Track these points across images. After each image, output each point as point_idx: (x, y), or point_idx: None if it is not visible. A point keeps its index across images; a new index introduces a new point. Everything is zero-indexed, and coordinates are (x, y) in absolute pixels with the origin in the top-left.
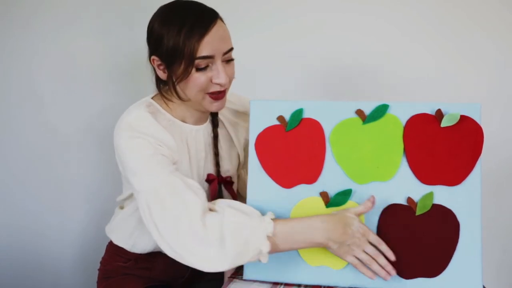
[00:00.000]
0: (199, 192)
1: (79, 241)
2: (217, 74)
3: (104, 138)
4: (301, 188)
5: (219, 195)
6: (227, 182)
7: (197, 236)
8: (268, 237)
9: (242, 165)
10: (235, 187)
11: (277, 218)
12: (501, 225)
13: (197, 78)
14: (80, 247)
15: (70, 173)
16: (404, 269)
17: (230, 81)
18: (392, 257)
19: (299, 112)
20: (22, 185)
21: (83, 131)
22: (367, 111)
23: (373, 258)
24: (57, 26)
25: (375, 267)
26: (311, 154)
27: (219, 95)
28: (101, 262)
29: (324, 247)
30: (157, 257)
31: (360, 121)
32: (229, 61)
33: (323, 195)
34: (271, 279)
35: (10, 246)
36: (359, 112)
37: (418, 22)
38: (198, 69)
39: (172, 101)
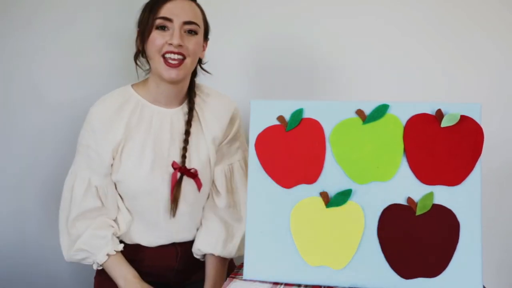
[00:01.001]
0: (90, 195)
1: None
2: (171, 36)
3: None
4: (301, 188)
5: (178, 185)
6: (190, 174)
7: (62, 228)
8: (108, 255)
9: (214, 161)
10: (207, 179)
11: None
12: (501, 225)
13: (155, 38)
14: None
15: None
16: (404, 269)
17: (190, 55)
18: None
19: (299, 112)
20: (22, 184)
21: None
22: (367, 111)
23: None
24: (57, 26)
25: None
26: (311, 154)
27: (173, 64)
28: None
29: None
30: (144, 250)
31: (360, 121)
32: (191, 34)
33: (323, 195)
34: (271, 279)
35: (11, 245)
36: (359, 112)
37: (418, 22)
38: (157, 28)
39: (142, 69)
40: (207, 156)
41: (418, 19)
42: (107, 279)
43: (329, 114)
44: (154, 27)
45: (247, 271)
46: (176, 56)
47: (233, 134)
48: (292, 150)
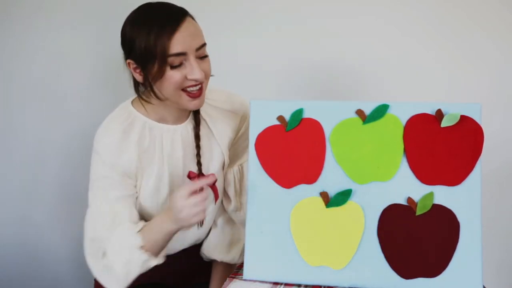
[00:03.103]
0: (117, 225)
1: (79, 237)
2: (192, 70)
3: None
4: (301, 188)
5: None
6: None
7: (95, 267)
8: (142, 247)
9: (227, 164)
10: (220, 185)
11: (144, 223)
12: (501, 225)
13: (172, 77)
14: (79, 243)
15: (71, 171)
16: (404, 269)
17: (207, 77)
18: (212, 178)
19: (299, 112)
20: (23, 183)
21: (83, 130)
22: (367, 111)
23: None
24: (57, 26)
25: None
26: (311, 154)
27: (196, 93)
28: None
29: (182, 228)
30: None
31: (360, 121)
32: (203, 57)
33: (323, 195)
34: (271, 279)
35: (8, 242)
36: (359, 112)
37: (418, 22)
38: (173, 67)
39: (150, 103)
40: (221, 163)
41: (418, 19)
42: None
43: (329, 114)
44: (168, 66)
45: (247, 271)
46: (197, 88)
47: (244, 129)
48: (292, 150)
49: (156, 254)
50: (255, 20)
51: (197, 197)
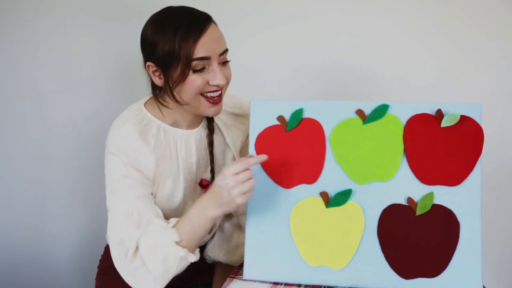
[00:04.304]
0: (145, 226)
1: (79, 239)
2: (214, 75)
3: (103, 136)
4: (301, 188)
5: None
6: None
7: (125, 270)
8: (178, 243)
9: None
10: None
11: (176, 219)
12: (501, 225)
13: (194, 81)
14: (79, 244)
15: (70, 171)
16: (404, 269)
17: (227, 83)
18: (263, 157)
19: (299, 112)
20: (22, 182)
21: (83, 130)
22: (367, 111)
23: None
24: (57, 26)
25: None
26: (311, 154)
27: (216, 99)
28: (100, 260)
29: (224, 213)
30: None
31: (360, 121)
32: (225, 62)
33: (323, 195)
34: (271, 279)
35: (9, 243)
36: (359, 112)
37: (418, 22)
38: (195, 71)
39: (167, 107)
40: None
41: (418, 19)
42: (109, 280)
43: (329, 114)
44: (191, 70)
45: (247, 271)
46: (217, 94)
47: None
48: (292, 150)
49: (192, 250)
50: (255, 20)
51: (247, 173)
